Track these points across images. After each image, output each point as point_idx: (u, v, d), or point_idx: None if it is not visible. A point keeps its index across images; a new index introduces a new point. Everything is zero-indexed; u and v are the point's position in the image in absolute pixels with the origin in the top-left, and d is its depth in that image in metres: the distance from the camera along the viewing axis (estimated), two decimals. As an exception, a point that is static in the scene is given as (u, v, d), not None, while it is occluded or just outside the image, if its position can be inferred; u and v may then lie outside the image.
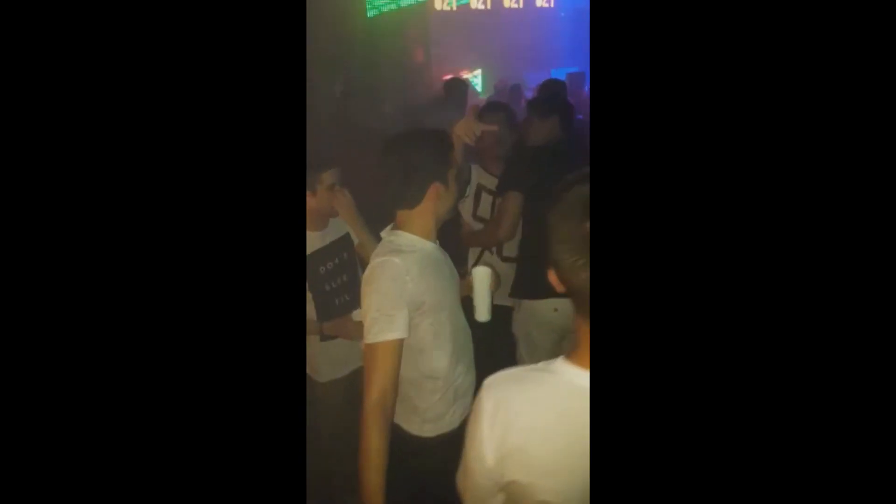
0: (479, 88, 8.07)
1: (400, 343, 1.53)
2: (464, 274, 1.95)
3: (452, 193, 1.69)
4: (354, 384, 2.19)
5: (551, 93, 2.96)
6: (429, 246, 1.67)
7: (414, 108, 4.37)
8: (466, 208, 2.94)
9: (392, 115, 4.21)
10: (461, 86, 4.45)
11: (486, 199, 2.91)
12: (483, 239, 2.83)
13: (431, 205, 1.63)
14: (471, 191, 2.91)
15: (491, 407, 0.94)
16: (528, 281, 2.65)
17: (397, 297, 1.51)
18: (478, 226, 2.92)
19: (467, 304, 1.84)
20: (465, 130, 1.85)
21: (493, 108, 2.96)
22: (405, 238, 1.63)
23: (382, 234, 1.68)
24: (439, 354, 1.64)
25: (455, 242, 2.43)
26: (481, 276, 1.88)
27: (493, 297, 1.88)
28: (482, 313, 1.91)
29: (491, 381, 0.98)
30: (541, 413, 0.90)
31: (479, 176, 2.93)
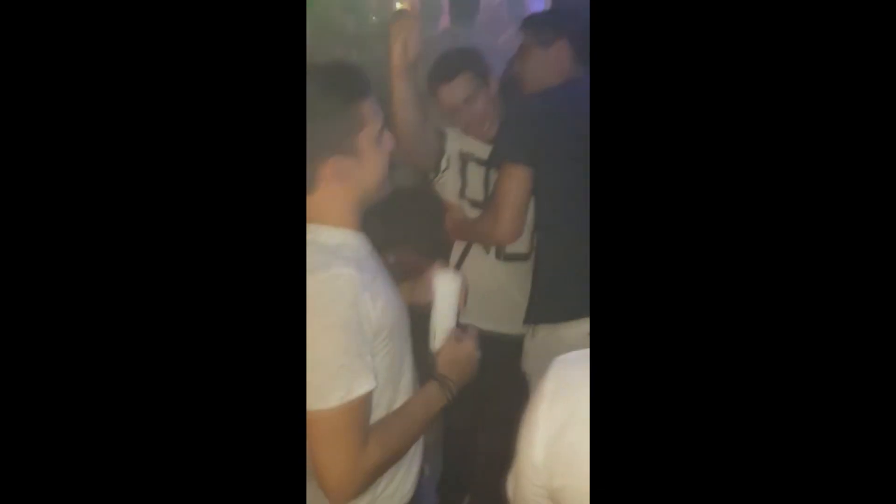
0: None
1: (371, 396, 1.09)
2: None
3: (375, 163, 1.16)
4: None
5: (561, 4, 2.00)
6: (358, 242, 1.19)
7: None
8: (448, 186, 2.05)
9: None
10: None
11: (476, 173, 2.01)
12: (477, 233, 1.96)
13: (339, 188, 1.13)
14: (451, 164, 2.01)
15: (552, 389, 0.82)
16: (547, 296, 1.81)
17: (361, 330, 1.06)
18: (470, 210, 2.03)
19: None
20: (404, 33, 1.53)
21: (457, 62, 1.94)
22: (326, 233, 1.14)
23: None
24: (396, 396, 1.20)
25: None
26: (447, 288, 1.30)
27: (459, 315, 1.35)
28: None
29: (561, 360, 0.85)
30: None
31: (460, 142, 2.01)
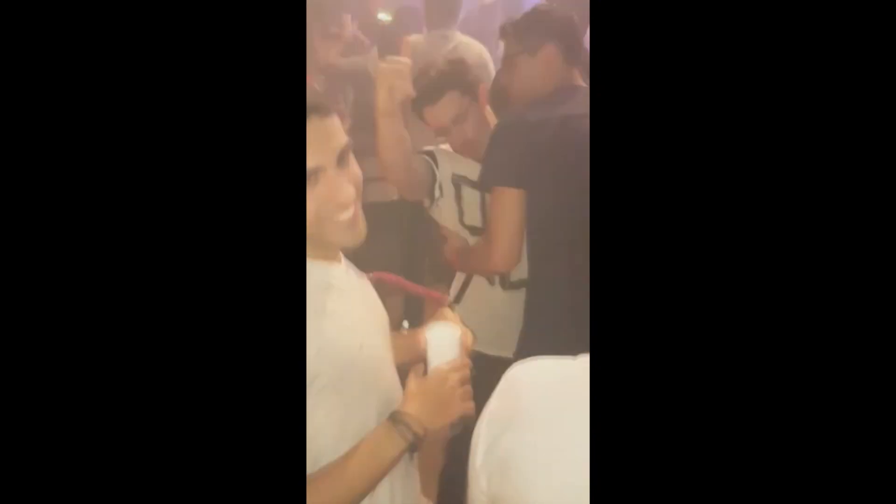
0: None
1: None
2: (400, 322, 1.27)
3: (341, 188, 0.98)
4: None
5: (544, 8, 1.84)
6: (316, 271, 1.02)
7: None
8: (445, 213, 1.90)
9: None
10: None
11: (472, 198, 1.87)
12: (475, 264, 1.82)
13: None
14: (444, 190, 1.87)
15: (495, 403, 0.81)
16: (539, 329, 1.67)
17: None
18: (471, 238, 1.89)
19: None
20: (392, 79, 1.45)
21: (440, 80, 1.76)
22: None
23: None
24: None
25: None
26: (443, 342, 1.08)
27: None
28: None
29: (514, 367, 0.84)
30: (553, 419, 0.75)
31: (451, 164, 1.87)
